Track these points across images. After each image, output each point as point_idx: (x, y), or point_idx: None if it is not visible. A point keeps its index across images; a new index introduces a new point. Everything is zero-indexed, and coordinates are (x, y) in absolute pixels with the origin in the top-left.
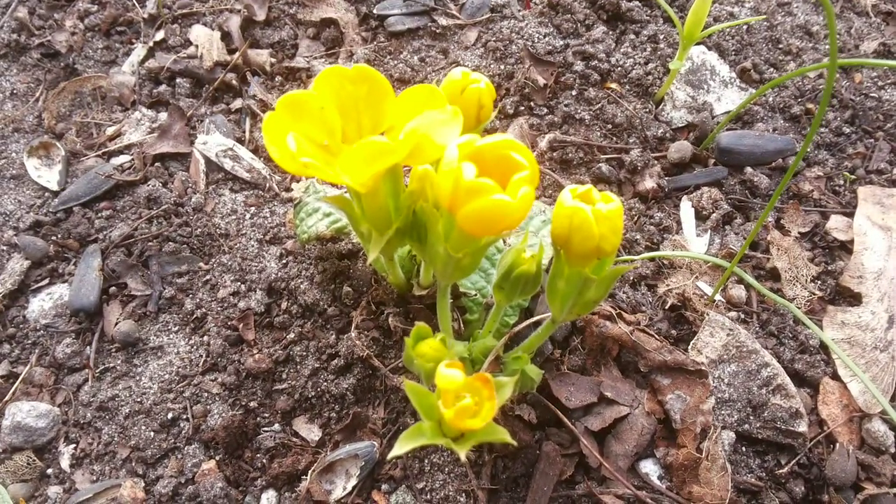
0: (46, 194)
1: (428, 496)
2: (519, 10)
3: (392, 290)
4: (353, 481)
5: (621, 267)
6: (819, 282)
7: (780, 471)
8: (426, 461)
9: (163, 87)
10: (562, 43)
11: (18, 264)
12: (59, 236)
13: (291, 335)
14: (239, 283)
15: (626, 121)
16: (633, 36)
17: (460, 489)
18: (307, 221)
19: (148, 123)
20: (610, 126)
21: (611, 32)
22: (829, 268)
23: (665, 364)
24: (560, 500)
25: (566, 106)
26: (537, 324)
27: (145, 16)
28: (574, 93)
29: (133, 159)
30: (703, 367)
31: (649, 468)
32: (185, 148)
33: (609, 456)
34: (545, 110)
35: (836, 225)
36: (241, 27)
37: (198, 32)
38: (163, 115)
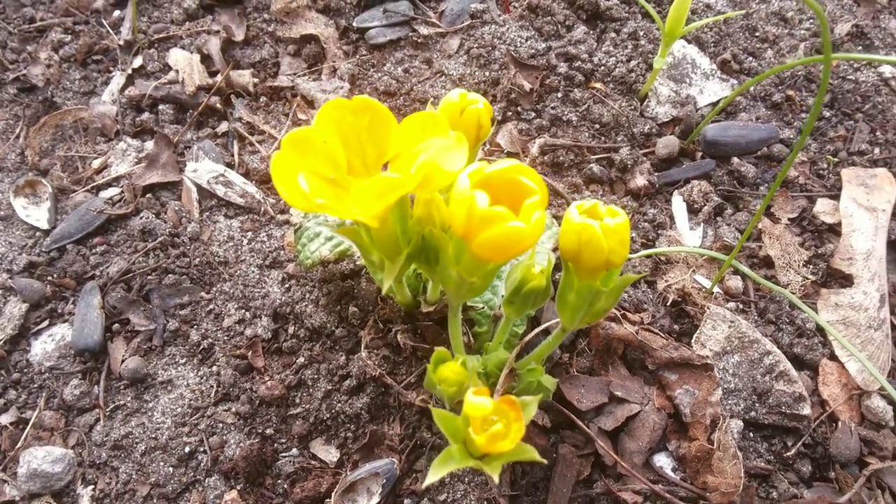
0: (37, 234)
1: None
2: (499, 15)
3: (399, 307)
4: (376, 499)
5: (630, 276)
6: (811, 266)
7: (788, 453)
8: (447, 474)
9: (146, 115)
10: (544, 46)
11: (16, 308)
12: (55, 276)
13: (301, 359)
14: (243, 311)
15: (613, 119)
16: (613, 34)
17: (482, 498)
18: (309, 247)
19: (134, 153)
20: (597, 126)
21: (591, 32)
22: (820, 251)
23: (672, 361)
24: (579, 499)
25: (553, 109)
26: (546, 331)
27: (121, 42)
28: (560, 95)
29: (123, 191)
30: (709, 361)
31: (663, 461)
32: (175, 176)
33: (624, 453)
34: (533, 114)
35: (823, 209)
36: (220, 49)
37: (177, 57)
38: (149, 144)
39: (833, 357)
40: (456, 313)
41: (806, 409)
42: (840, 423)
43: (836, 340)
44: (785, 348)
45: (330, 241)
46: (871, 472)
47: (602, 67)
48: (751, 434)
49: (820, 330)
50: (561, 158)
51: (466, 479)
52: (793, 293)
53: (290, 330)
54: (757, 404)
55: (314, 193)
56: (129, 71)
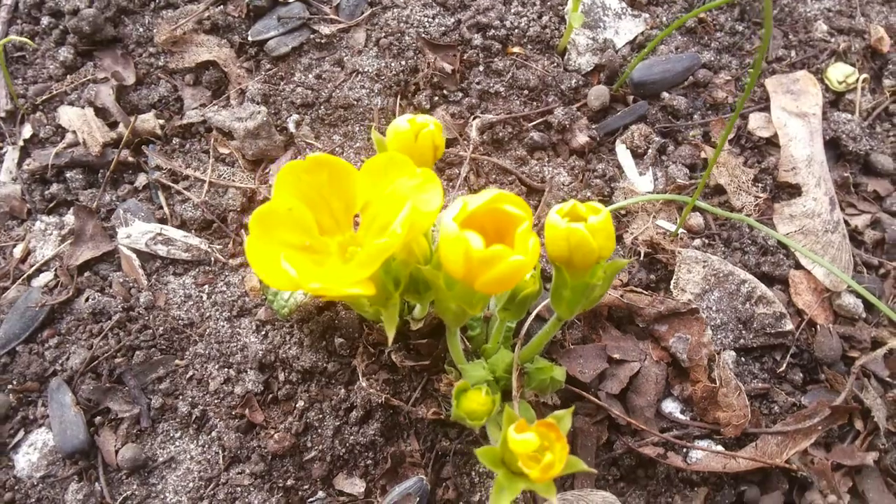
0: None
1: None
2: None
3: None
4: None
5: (619, 262)
6: (759, 184)
7: (779, 368)
8: (472, 473)
9: (54, 187)
10: (453, 20)
11: None
12: (15, 383)
13: (301, 403)
14: (226, 370)
15: (539, 81)
16: None
17: None
18: (281, 295)
19: (55, 231)
20: (526, 91)
21: None
22: (763, 166)
23: (660, 315)
24: (604, 464)
25: (478, 84)
26: (538, 316)
27: (2, 114)
28: (482, 69)
29: (57, 276)
30: (693, 304)
31: (672, 407)
32: (108, 246)
33: (634, 411)
34: (460, 94)
35: (757, 124)
36: (114, 97)
37: (68, 116)
38: (68, 218)
39: (799, 266)
40: (454, 333)
41: (788, 325)
42: (818, 327)
43: (798, 252)
44: (753, 269)
45: None
46: (860, 367)
47: (516, 30)
48: (743, 360)
49: (782, 244)
50: (500, 134)
51: (496, 475)
52: (749, 215)
53: (281, 377)
54: (744, 332)
55: (305, 277)
56: (21, 143)
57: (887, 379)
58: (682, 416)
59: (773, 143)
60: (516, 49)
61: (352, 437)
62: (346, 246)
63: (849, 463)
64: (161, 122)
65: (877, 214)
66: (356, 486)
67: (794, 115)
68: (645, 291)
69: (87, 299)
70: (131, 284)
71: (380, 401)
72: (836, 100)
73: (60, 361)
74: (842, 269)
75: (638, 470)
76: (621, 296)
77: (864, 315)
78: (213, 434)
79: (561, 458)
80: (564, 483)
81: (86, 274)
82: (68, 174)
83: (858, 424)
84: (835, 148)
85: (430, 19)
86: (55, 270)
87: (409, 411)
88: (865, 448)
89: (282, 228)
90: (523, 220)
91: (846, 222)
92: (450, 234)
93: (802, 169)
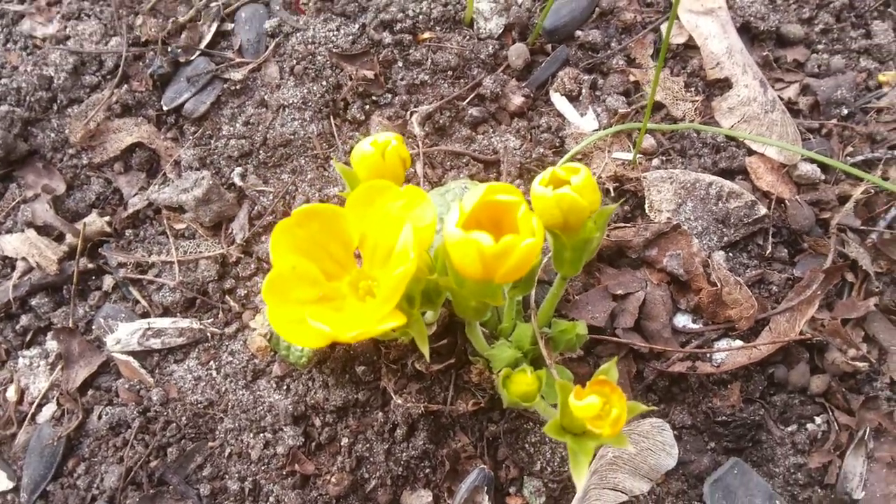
0: (9, 496)
1: (549, 469)
2: (296, 20)
3: (401, 343)
4: None
5: (607, 209)
6: (692, 88)
7: (766, 252)
8: (527, 446)
9: (24, 319)
10: (357, 26)
11: None
12: None
13: (345, 440)
14: (262, 434)
15: (459, 58)
16: None
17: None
18: (295, 346)
19: (42, 362)
20: (449, 72)
21: None
22: (689, 70)
23: (647, 241)
24: (641, 393)
25: (402, 80)
26: (540, 280)
27: None
28: (401, 64)
29: (60, 404)
30: (673, 221)
31: (684, 320)
32: (100, 358)
33: (653, 336)
34: (389, 96)
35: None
36: (52, 210)
37: (12, 244)
38: (50, 345)
39: (752, 153)
40: (475, 325)
41: (761, 210)
42: (787, 201)
43: (747, 139)
44: (713, 170)
45: None
46: (836, 226)
47: (421, 16)
48: (732, 255)
49: (730, 137)
50: (440, 121)
51: (547, 440)
52: (692, 121)
53: (318, 422)
54: (724, 230)
55: (339, 328)
56: None
57: (861, 227)
58: (695, 326)
59: (690, 45)
60: (427, 35)
61: (404, 454)
62: (356, 283)
63: (854, 315)
64: (107, 219)
65: (803, 81)
66: (423, 497)
67: (702, 13)
68: (626, 224)
69: (99, 416)
70: (138, 387)
71: (419, 411)
72: None
73: (96, 485)
74: (791, 142)
75: (672, 388)
76: (607, 235)
77: (822, 177)
78: (272, 499)
79: (623, 408)
80: None
81: (89, 392)
82: (33, 301)
83: (850, 277)
84: (747, 32)
85: (334, 32)
86: (56, 400)
87: (449, 411)
88: (863, 296)
89: (294, 289)
90: (519, 204)
91: (780, 98)
92: (457, 239)
93: (726, 62)
